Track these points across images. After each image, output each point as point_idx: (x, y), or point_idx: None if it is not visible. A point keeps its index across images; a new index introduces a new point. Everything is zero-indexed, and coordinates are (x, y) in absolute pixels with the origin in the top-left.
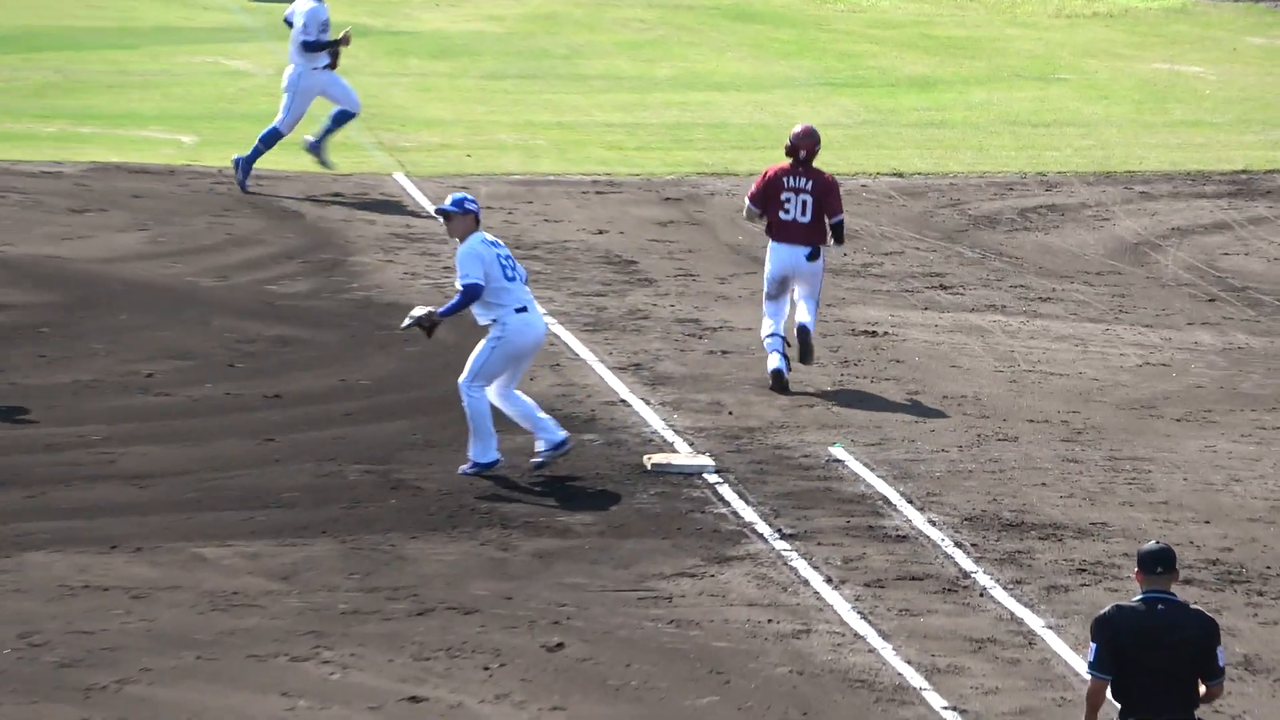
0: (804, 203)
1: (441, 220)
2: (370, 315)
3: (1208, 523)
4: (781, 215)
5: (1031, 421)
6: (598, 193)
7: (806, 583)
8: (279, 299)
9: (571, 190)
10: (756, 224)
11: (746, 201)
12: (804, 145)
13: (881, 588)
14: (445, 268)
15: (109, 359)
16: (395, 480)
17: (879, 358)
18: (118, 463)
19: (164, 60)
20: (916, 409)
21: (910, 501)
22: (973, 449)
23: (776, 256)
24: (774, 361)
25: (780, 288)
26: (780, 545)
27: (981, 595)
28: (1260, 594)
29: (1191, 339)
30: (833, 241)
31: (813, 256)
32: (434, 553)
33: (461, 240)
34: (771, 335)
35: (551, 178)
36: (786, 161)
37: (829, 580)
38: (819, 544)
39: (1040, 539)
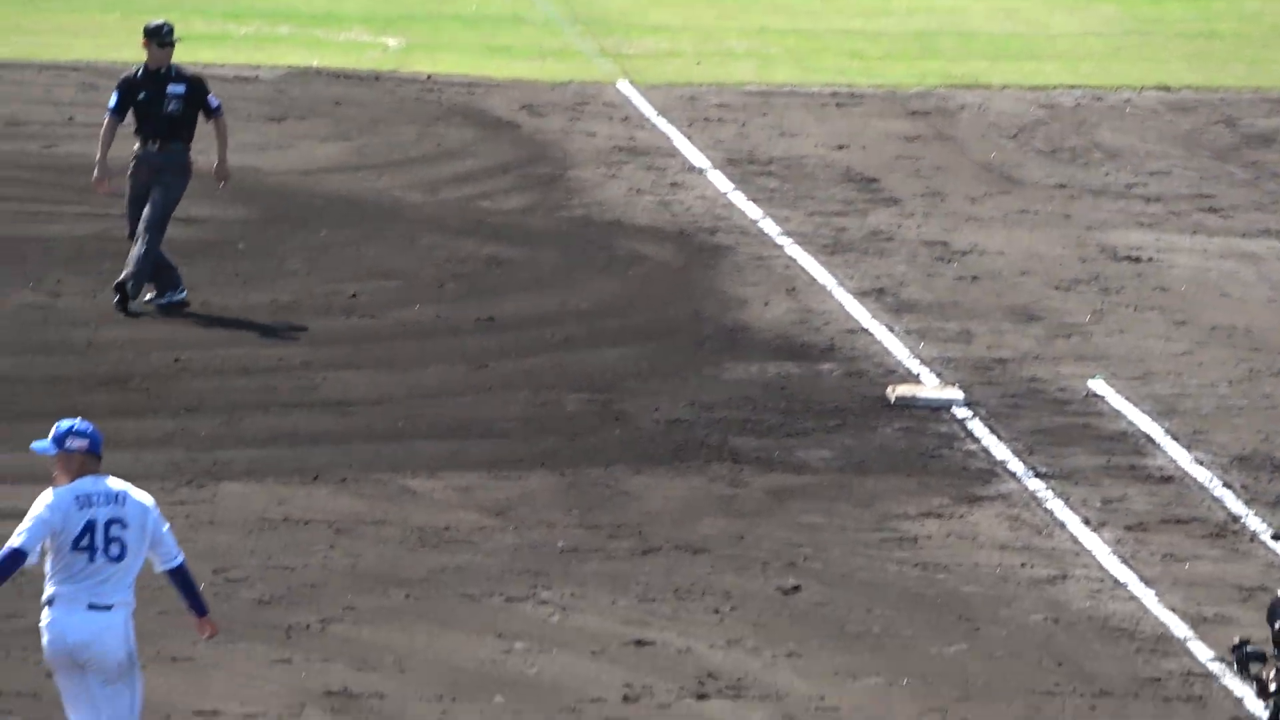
0: None
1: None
2: (590, 234)
3: None
4: None
5: None
6: (837, 105)
7: (1063, 525)
8: (492, 215)
9: (809, 102)
10: None
11: None
12: None
13: (1144, 531)
14: (672, 184)
15: (309, 278)
16: (617, 411)
17: (1142, 285)
18: (319, 389)
19: None
20: (1182, 340)
21: (1175, 439)
22: (1243, 384)
23: None
24: None
25: None
26: (1034, 485)
27: (1252, 540)
28: None
29: None
30: None
31: None
32: (659, 488)
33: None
34: None
35: (788, 88)
36: None
37: (1087, 522)
38: (1076, 484)
39: None
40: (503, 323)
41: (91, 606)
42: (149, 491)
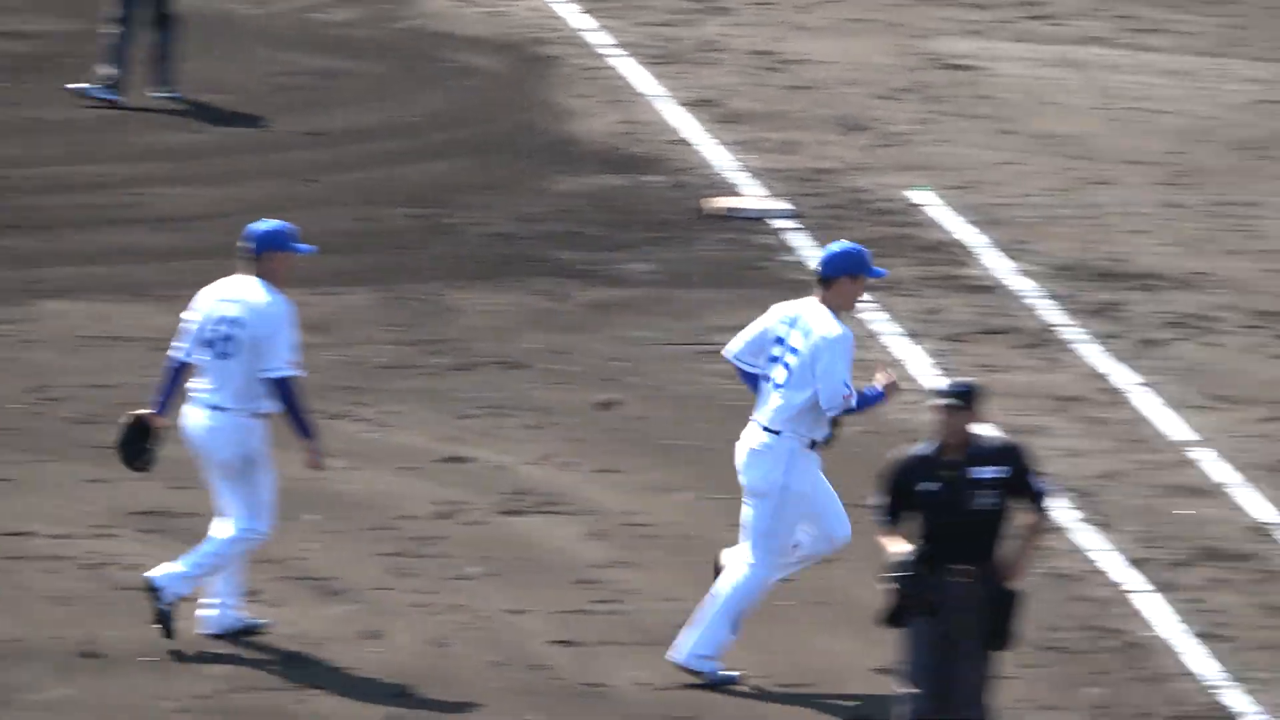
0: None
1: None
2: (421, 46)
3: None
4: None
5: (1131, 163)
6: None
7: (883, 335)
8: (322, 27)
9: None
10: None
11: None
12: None
13: (961, 341)
14: None
15: (137, 91)
16: (443, 225)
17: (967, 93)
18: (144, 204)
19: None
20: (1007, 149)
21: (997, 249)
22: (1067, 193)
23: None
24: None
25: None
26: None
27: (1068, 350)
28: None
29: None
30: None
31: None
32: (480, 303)
33: None
34: None
35: None
36: None
37: (910, 335)
38: (896, 294)
39: (1135, 289)
40: (331, 137)
41: (210, 406)
42: None
